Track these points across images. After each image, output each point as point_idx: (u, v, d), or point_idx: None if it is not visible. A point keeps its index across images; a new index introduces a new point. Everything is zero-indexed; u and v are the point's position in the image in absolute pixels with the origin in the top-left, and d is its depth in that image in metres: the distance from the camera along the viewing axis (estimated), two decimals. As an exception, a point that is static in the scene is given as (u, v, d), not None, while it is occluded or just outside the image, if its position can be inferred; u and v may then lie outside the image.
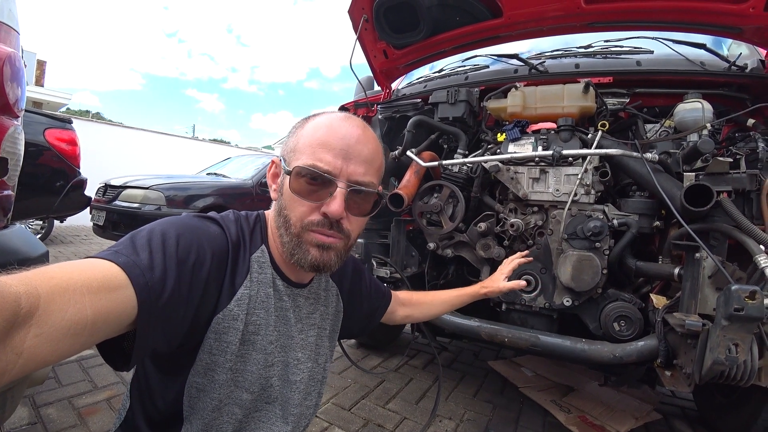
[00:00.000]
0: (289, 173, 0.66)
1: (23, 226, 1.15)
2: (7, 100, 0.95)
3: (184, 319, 0.59)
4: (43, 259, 1.05)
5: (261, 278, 0.71)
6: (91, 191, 4.47)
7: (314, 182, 0.65)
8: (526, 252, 1.36)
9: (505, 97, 1.68)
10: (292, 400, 0.79)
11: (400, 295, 1.16)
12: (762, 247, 1.04)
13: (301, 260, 0.68)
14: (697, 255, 1.17)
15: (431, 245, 1.69)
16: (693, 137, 1.32)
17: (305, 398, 0.82)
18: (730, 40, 1.86)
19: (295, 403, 0.79)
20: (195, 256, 0.60)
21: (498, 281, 1.21)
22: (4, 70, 0.93)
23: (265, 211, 0.79)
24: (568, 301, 1.42)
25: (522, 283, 1.23)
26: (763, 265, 1.00)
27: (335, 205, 0.65)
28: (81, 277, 0.45)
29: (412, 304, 1.16)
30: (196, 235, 0.63)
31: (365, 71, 2.23)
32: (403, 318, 1.15)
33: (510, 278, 1.21)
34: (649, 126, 1.57)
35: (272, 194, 0.74)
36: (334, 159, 0.65)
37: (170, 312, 0.55)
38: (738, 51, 1.70)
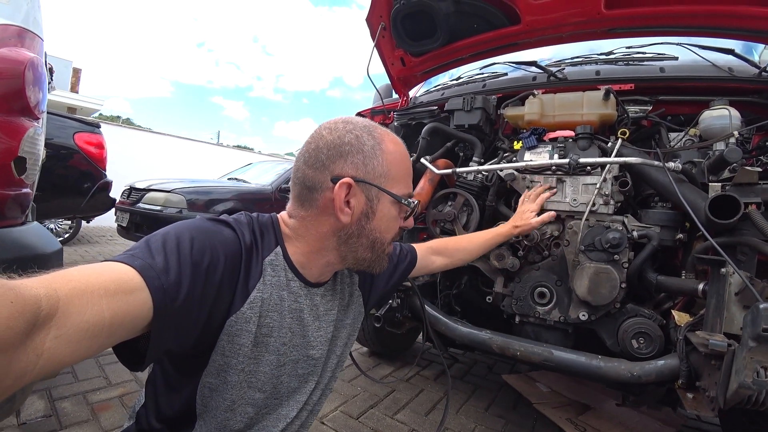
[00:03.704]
0: (412, 207, 0.77)
1: (38, 223, 1.18)
2: (27, 102, 0.99)
3: (197, 322, 0.60)
4: (57, 255, 1.07)
5: (274, 281, 0.71)
6: (118, 193, 4.63)
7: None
8: (547, 186, 1.33)
9: (523, 104, 1.65)
10: (299, 390, 0.81)
11: (433, 245, 1.19)
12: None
13: (380, 268, 0.80)
14: (723, 270, 1.10)
15: (443, 254, 1.65)
16: (719, 146, 1.25)
17: (313, 388, 0.84)
18: (762, 46, 1.78)
19: (302, 391, 0.81)
20: (209, 259, 0.61)
21: (528, 219, 1.29)
22: (26, 74, 0.97)
23: (278, 214, 0.80)
24: (584, 315, 1.36)
25: (552, 214, 1.30)
26: (796, 283, 0.93)
27: (411, 221, 0.80)
28: (99, 280, 0.46)
29: (448, 253, 1.20)
30: (210, 239, 0.63)
31: (384, 80, 2.24)
32: (441, 267, 1.20)
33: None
34: (673, 135, 1.51)
35: (343, 218, 0.70)
36: (411, 185, 0.79)
37: (184, 314, 0.56)
38: (770, 57, 1.63)
